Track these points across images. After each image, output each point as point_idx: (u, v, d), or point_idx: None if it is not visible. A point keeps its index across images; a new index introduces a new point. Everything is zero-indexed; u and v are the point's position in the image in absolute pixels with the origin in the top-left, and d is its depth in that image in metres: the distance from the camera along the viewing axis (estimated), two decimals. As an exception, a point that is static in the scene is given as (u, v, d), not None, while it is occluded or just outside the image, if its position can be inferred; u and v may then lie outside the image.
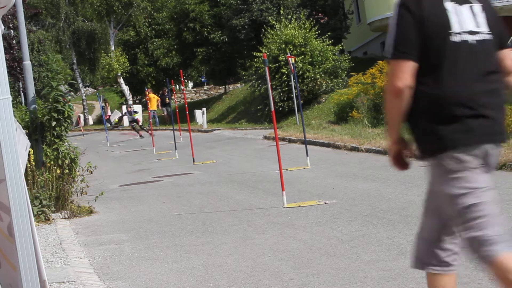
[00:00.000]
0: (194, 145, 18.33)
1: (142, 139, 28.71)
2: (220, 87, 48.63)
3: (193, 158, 17.06)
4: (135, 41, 46.73)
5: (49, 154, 10.15)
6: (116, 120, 43.95)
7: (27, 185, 8.76)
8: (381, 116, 20.90)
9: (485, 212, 3.29)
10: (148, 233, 8.46)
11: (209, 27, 41.26)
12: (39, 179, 9.88)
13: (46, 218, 9.50)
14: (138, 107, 45.54)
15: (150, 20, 46.93)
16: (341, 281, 5.37)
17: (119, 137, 32.99)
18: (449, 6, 3.26)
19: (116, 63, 43.82)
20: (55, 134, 10.29)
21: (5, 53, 5.12)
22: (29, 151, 8.96)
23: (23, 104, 23.94)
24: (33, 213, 7.86)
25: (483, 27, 3.30)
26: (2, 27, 3.92)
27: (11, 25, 26.16)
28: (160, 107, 39.52)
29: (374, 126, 20.14)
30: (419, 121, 3.27)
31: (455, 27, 3.24)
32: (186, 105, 20.43)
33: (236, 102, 38.44)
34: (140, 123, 31.22)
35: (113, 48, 45.39)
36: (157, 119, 38.28)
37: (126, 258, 7.12)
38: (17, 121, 6.79)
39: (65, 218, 9.89)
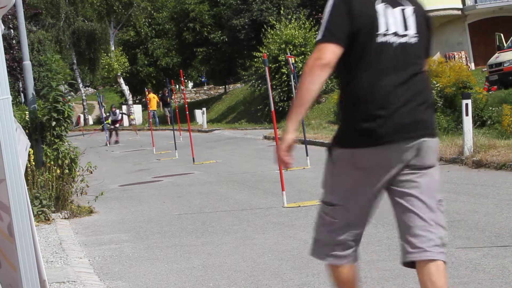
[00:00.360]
0: (194, 145, 18.32)
1: (112, 144, 28.10)
2: (220, 87, 48.63)
3: (193, 158, 17.06)
4: (135, 41, 46.73)
5: (49, 154, 10.15)
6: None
7: (27, 185, 8.76)
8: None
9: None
10: (148, 233, 8.46)
11: (209, 27, 41.26)
12: (39, 179, 9.88)
13: (46, 218, 9.50)
14: (138, 107, 45.58)
15: (150, 20, 46.92)
16: (341, 281, 5.36)
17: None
18: (380, 8, 3.32)
19: (116, 63, 43.81)
20: (55, 134, 10.29)
21: (5, 53, 5.12)
22: (29, 151, 8.96)
23: (23, 104, 23.92)
24: (33, 213, 7.85)
25: (412, 30, 3.37)
26: (2, 27, 3.92)
27: (11, 25, 26.16)
28: (162, 108, 39.49)
29: (374, 126, 20.12)
30: (344, 114, 3.36)
31: (382, 28, 3.30)
32: (186, 105, 20.43)
33: (236, 102, 38.44)
34: (118, 128, 29.99)
35: (113, 48, 45.39)
36: (157, 119, 38.27)
37: (126, 258, 7.12)
38: (17, 121, 6.79)
39: (65, 218, 9.89)
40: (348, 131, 3.32)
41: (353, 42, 3.26)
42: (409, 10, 3.39)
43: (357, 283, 3.53)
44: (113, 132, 29.39)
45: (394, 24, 3.33)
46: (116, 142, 28.66)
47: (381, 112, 3.23)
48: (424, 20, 3.44)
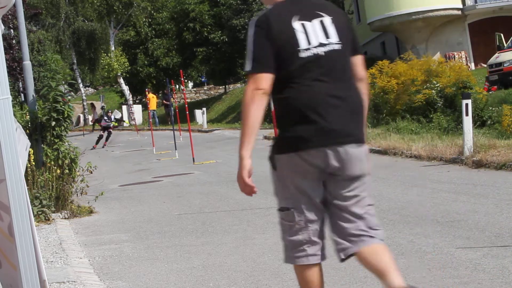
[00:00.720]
0: (194, 145, 18.32)
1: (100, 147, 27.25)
2: (220, 87, 48.64)
3: (193, 158, 17.06)
4: (135, 41, 46.73)
5: (49, 154, 10.15)
6: (115, 123, 43.85)
7: (27, 185, 8.76)
8: (381, 116, 20.91)
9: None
10: (148, 233, 8.46)
11: (209, 27, 41.28)
12: (39, 179, 9.87)
13: (46, 218, 9.50)
14: (138, 107, 45.57)
15: (150, 20, 46.91)
16: (341, 281, 5.36)
17: (117, 137, 32.98)
18: (297, 25, 3.51)
19: (116, 63, 43.82)
20: (55, 134, 10.30)
21: (5, 53, 5.13)
22: (29, 151, 8.96)
23: (25, 104, 23.90)
24: (33, 213, 7.86)
25: (333, 38, 3.55)
26: (2, 27, 3.92)
27: (11, 25, 26.15)
28: (165, 109, 39.40)
29: (374, 126, 20.14)
30: (279, 123, 3.60)
31: (303, 44, 3.50)
32: (186, 105, 20.43)
33: (236, 102, 38.44)
34: (108, 135, 28.49)
35: (113, 48, 45.38)
36: (156, 119, 38.27)
37: (126, 258, 7.12)
38: (17, 121, 6.79)
39: (65, 218, 9.89)
40: (284, 138, 3.54)
41: (281, 60, 3.48)
42: (328, 20, 3.57)
43: (323, 285, 3.71)
44: (104, 136, 28.20)
45: (315, 36, 3.52)
46: (104, 146, 27.55)
47: (313, 119, 3.44)
48: (344, 26, 3.63)
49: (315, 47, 3.51)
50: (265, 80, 3.44)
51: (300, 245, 3.61)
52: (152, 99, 37.46)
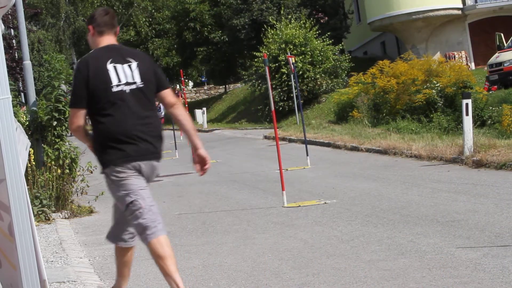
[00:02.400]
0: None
1: None
2: (220, 87, 48.63)
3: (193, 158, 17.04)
4: (135, 41, 46.71)
5: (50, 154, 10.15)
6: None
7: (27, 185, 8.76)
8: (381, 116, 20.91)
9: (140, 205, 4.58)
10: (148, 233, 8.44)
11: (209, 26, 41.25)
12: (39, 179, 9.87)
13: (46, 218, 9.50)
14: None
15: (150, 20, 46.90)
16: (341, 280, 5.37)
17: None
18: (110, 67, 4.59)
19: (116, 63, 43.75)
20: (55, 134, 10.29)
21: (5, 53, 5.15)
22: (30, 151, 8.96)
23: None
24: (33, 212, 7.86)
25: (137, 79, 4.64)
26: (2, 27, 3.92)
27: (11, 25, 26.15)
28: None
29: (374, 125, 20.14)
30: (97, 145, 4.67)
31: (114, 81, 4.57)
32: (187, 105, 20.45)
33: (236, 101, 38.45)
34: None
35: (113, 48, 45.32)
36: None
37: (126, 258, 7.10)
38: (17, 120, 6.79)
39: (65, 218, 9.88)
40: (105, 156, 4.62)
41: (97, 95, 4.54)
42: (134, 65, 4.66)
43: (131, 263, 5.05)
44: None
45: (124, 76, 4.60)
46: None
47: (125, 142, 4.54)
48: (148, 69, 4.70)
49: (124, 84, 4.58)
50: (78, 116, 4.58)
51: (125, 233, 4.95)
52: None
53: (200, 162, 4.89)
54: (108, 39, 4.74)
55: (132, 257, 5.05)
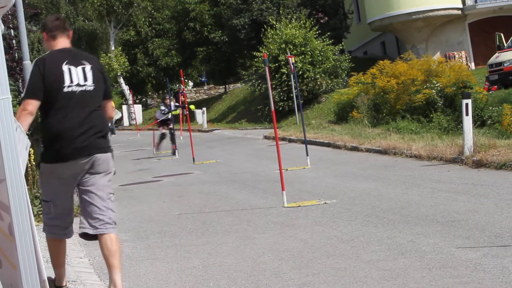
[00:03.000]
0: (194, 145, 18.32)
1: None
2: (220, 87, 48.61)
3: (193, 158, 17.07)
4: (135, 41, 46.70)
5: (49, 154, 10.15)
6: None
7: (27, 185, 8.76)
8: (381, 116, 20.91)
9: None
10: (148, 232, 8.46)
11: (209, 26, 41.23)
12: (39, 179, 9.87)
13: (46, 218, 9.49)
14: (138, 107, 45.54)
15: (150, 20, 46.88)
16: (341, 280, 5.37)
17: (118, 137, 32.98)
18: (65, 68, 4.87)
19: (116, 63, 43.79)
20: (55, 134, 10.29)
21: (5, 53, 5.19)
22: (30, 151, 8.96)
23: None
24: (33, 212, 7.86)
25: (89, 81, 4.95)
26: (2, 27, 3.92)
27: (11, 25, 26.14)
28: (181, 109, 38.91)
29: (374, 125, 20.14)
30: (42, 140, 4.96)
31: (67, 82, 4.86)
32: (187, 105, 20.41)
33: (236, 101, 38.44)
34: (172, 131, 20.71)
35: (113, 47, 45.36)
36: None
37: (126, 258, 7.11)
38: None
39: (65, 218, 9.87)
40: (47, 153, 4.92)
41: (48, 93, 4.80)
42: (88, 67, 4.97)
43: (65, 254, 5.26)
44: (166, 135, 21.29)
45: (76, 78, 4.89)
46: (174, 151, 20.03)
47: (67, 139, 4.82)
48: (100, 73, 5.04)
49: (76, 85, 4.87)
50: (32, 104, 4.76)
51: (54, 226, 5.13)
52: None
53: None
54: (62, 42, 5.04)
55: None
